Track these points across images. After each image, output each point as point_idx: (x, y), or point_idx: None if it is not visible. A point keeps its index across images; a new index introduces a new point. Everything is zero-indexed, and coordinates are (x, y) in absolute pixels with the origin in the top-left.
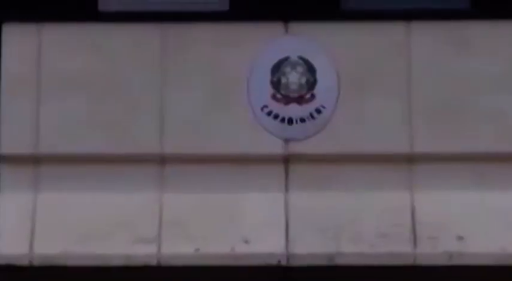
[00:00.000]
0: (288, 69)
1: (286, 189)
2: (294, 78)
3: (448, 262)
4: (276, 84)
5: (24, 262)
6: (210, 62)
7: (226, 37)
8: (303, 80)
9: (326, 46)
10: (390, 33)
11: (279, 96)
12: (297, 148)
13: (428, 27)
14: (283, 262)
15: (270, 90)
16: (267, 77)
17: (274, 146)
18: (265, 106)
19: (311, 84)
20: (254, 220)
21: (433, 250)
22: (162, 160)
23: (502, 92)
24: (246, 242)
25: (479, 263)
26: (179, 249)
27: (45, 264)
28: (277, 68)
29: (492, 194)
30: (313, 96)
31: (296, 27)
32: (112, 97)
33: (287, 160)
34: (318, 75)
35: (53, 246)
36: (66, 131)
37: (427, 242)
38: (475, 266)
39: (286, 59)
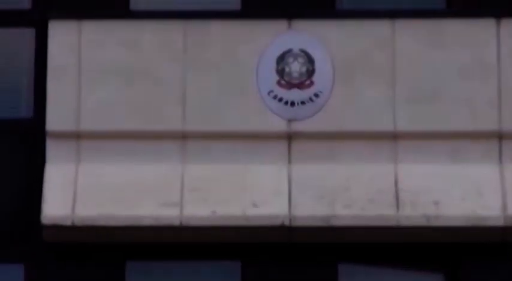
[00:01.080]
0: (290, 59)
1: (289, 161)
2: (295, 67)
3: (426, 223)
4: (280, 73)
5: (67, 223)
6: (225, 54)
7: (238, 32)
8: (304, 69)
9: (323, 40)
10: (377, 29)
11: (283, 82)
12: (298, 126)
13: (410, 24)
14: (286, 223)
15: (275, 77)
16: (273, 66)
17: (279, 125)
18: (271, 91)
19: (310, 72)
20: (262, 187)
21: (413, 213)
22: (184, 136)
23: (472, 79)
24: (255, 206)
25: (453, 224)
26: (198, 212)
27: (85, 224)
28: (282, 59)
29: (464, 166)
30: (312, 83)
31: (298, 24)
32: (142, 83)
33: (290, 137)
34: (316, 65)
35: (92, 209)
36: (103, 111)
37: (408, 206)
38: (449, 227)
39: (289, 51)
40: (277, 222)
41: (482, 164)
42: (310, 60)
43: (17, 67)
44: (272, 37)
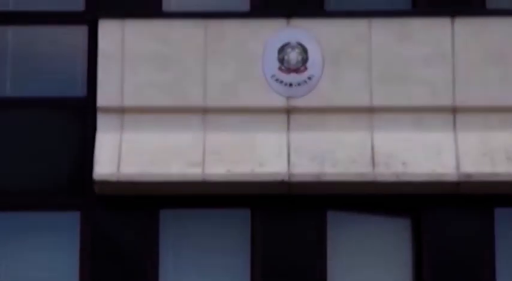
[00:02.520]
0: (289, 50)
1: (288, 130)
2: (293, 56)
3: (396, 179)
4: (281, 61)
5: (113, 179)
6: (237, 45)
7: (247, 28)
8: (299, 58)
9: (315, 35)
10: (357, 26)
11: (283, 68)
12: (295, 103)
13: (383, 22)
14: (286, 179)
15: (277, 64)
16: (275, 55)
17: (280, 102)
18: (274, 75)
19: (305, 60)
20: (266, 150)
21: (385, 171)
22: (204, 111)
23: (432, 66)
24: (261, 165)
25: (417, 180)
26: (216, 170)
27: (127, 180)
28: (282, 50)
29: (426, 134)
30: (306, 68)
31: (295, 22)
32: (171, 69)
33: (288, 111)
34: (309, 54)
35: (133, 168)
36: (141, 91)
37: (382, 165)
38: (414, 182)
39: (288, 43)
40: (278, 178)
41: (440, 132)
42: (304, 50)
43: (74, 57)
44: (274, 32)
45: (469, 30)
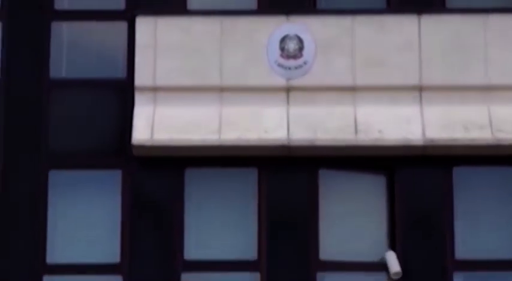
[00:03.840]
0: (288, 41)
1: (288, 105)
2: (291, 45)
3: (373, 143)
4: (281, 49)
5: (148, 144)
6: (246, 37)
7: (255, 23)
8: (297, 47)
9: (309, 28)
10: (343, 21)
11: (283, 55)
12: (293, 83)
13: (364, 18)
14: (286, 144)
15: (278, 52)
16: (277, 45)
17: (281, 82)
18: (276, 61)
19: (301, 49)
20: (271, 120)
21: (365, 137)
22: (221, 89)
23: (404, 53)
24: (266, 132)
25: (390, 144)
26: (230, 136)
27: (158, 144)
28: (282, 40)
29: (398, 107)
30: (302, 55)
31: (293, 18)
32: (194, 56)
33: (288, 90)
34: (305, 44)
35: (163, 134)
36: (169, 73)
37: (363, 133)
38: (388, 146)
39: (287, 35)
40: (280, 143)
41: (409, 107)
42: (300, 41)
43: (117, 46)
44: (276, 26)
45: (432, 24)
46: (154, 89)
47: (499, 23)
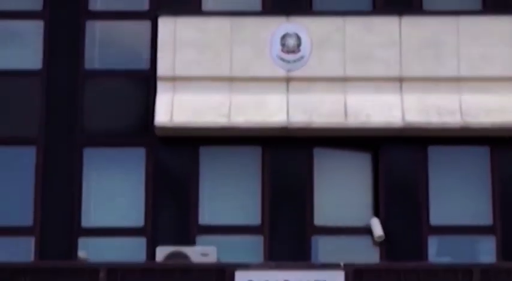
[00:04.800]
0: (288, 38)
1: (287, 92)
2: (291, 42)
3: (362, 126)
4: (282, 45)
5: (168, 125)
6: (253, 34)
7: (260, 23)
8: (295, 43)
9: (305, 27)
10: (335, 22)
11: (284, 50)
12: (292, 74)
13: (353, 18)
14: (285, 126)
15: (279, 47)
16: (278, 41)
17: (282, 73)
18: (278, 55)
19: (299, 44)
20: (273, 106)
21: (355, 121)
22: (231, 79)
23: (387, 49)
24: (269, 116)
25: (375, 127)
26: (238, 119)
27: (177, 126)
28: (283, 37)
29: (382, 95)
30: (299, 50)
31: (292, 18)
32: (207, 50)
33: (288, 80)
34: (302, 41)
35: (181, 117)
36: (186, 65)
37: (352, 116)
38: (373, 128)
39: (287, 33)
40: (281, 125)
41: (391, 94)
42: (298, 38)
43: (141, 42)
44: (278, 25)
45: (411, 24)
46: (174, 79)
47: (468, 24)
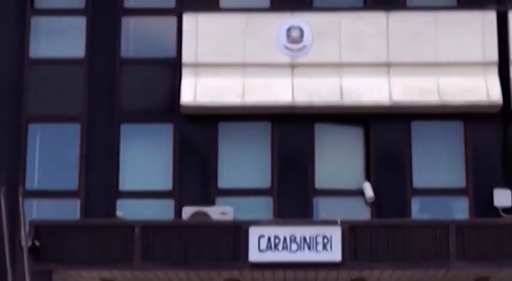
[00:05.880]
0: (292, 30)
1: (292, 76)
2: (295, 34)
3: (355, 104)
4: (288, 36)
5: (192, 104)
6: (263, 27)
7: (269, 17)
8: (299, 35)
9: (307, 21)
10: (332, 16)
11: (289, 41)
12: (296, 60)
13: (348, 14)
14: (291, 104)
15: (285, 38)
16: (284, 33)
17: (287, 60)
18: (284, 45)
19: (302, 36)
20: (279, 87)
21: (349, 100)
22: (244, 65)
23: (376, 39)
24: (277, 96)
25: (366, 105)
26: (252, 99)
27: (200, 105)
28: (289, 30)
29: (371, 78)
30: (302, 40)
31: (296, 13)
32: (224, 41)
33: (293, 66)
34: (304, 33)
35: (203, 97)
36: (206, 53)
37: (347, 96)
38: (364, 106)
39: (292, 26)
40: (287, 104)
41: (380, 77)
42: (301, 30)
43: (169, 34)
44: (284, 20)
45: (397, 18)
46: (196, 65)
47: (445, 17)
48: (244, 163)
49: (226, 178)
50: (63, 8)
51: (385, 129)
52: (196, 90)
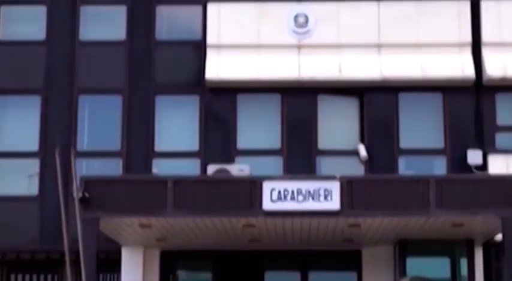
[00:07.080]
0: (299, 16)
1: (299, 55)
2: (301, 19)
3: (351, 79)
4: (295, 21)
5: (215, 79)
6: (274, 14)
7: (279, 6)
8: (304, 20)
9: (311, 9)
10: (333, 6)
11: (296, 25)
12: (303, 42)
13: (345, 3)
14: (298, 79)
15: (293, 23)
16: (292, 19)
17: (294, 42)
18: (292, 29)
19: (307, 21)
20: (288, 65)
21: (346, 74)
22: (258, 46)
23: (369, 23)
24: (286, 72)
25: (361, 79)
26: (264, 75)
27: (223, 80)
28: (296, 16)
29: (366, 56)
30: (307, 25)
31: (302, 3)
32: (241, 25)
33: (299, 47)
34: (309, 19)
35: (224, 74)
36: (228, 35)
37: (344, 71)
38: (359, 80)
39: (299, 13)
40: (295, 79)
41: (372, 56)
42: (306, 17)
43: (195, 20)
44: (292, 8)
45: (387, 6)
46: (219, 46)
47: (425, 5)
48: (258, 127)
49: (243, 141)
50: None
51: (377, 100)
52: (219, 67)
